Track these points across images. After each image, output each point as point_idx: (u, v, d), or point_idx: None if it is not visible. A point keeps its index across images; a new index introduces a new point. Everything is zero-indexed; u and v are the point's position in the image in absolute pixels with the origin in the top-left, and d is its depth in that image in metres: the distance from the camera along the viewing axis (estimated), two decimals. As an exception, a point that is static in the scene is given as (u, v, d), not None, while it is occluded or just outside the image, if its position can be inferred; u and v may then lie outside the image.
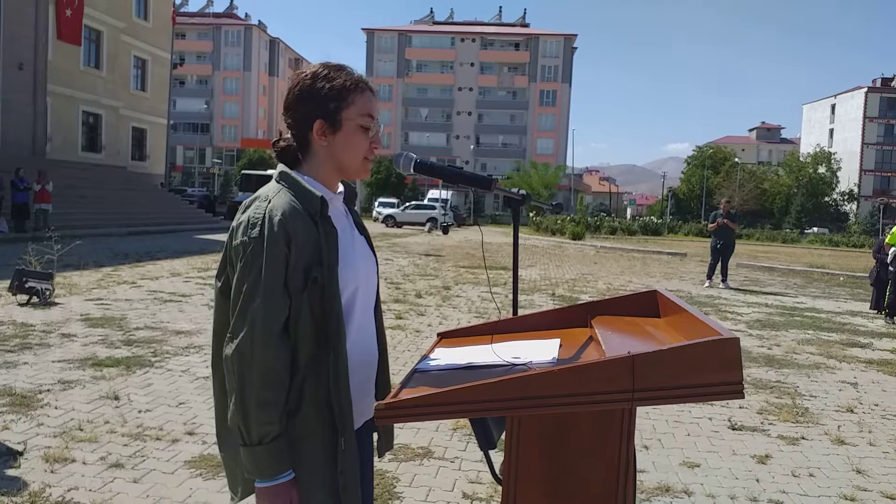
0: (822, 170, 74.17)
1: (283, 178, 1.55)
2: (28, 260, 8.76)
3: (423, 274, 13.82)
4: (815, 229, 62.53)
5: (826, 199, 74.17)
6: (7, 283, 8.21)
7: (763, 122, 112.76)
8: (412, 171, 1.89)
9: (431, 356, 1.69)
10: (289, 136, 1.62)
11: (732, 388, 1.19)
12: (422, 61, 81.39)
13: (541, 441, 1.35)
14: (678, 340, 1.42)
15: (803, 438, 4.63)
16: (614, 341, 1.49)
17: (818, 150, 76.41)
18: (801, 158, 77.62)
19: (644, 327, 1.68)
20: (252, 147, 70.10)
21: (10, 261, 10.35)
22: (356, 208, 1.77)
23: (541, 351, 1.56)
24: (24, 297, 7.99)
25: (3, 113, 23.43)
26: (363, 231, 1.72)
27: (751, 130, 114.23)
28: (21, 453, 3.63)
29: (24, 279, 7.97)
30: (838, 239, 46.67)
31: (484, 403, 1.25)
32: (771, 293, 13.71)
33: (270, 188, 1.54)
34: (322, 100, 1.54)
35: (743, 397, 1.20)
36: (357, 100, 1.56)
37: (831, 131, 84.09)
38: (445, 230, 29.96)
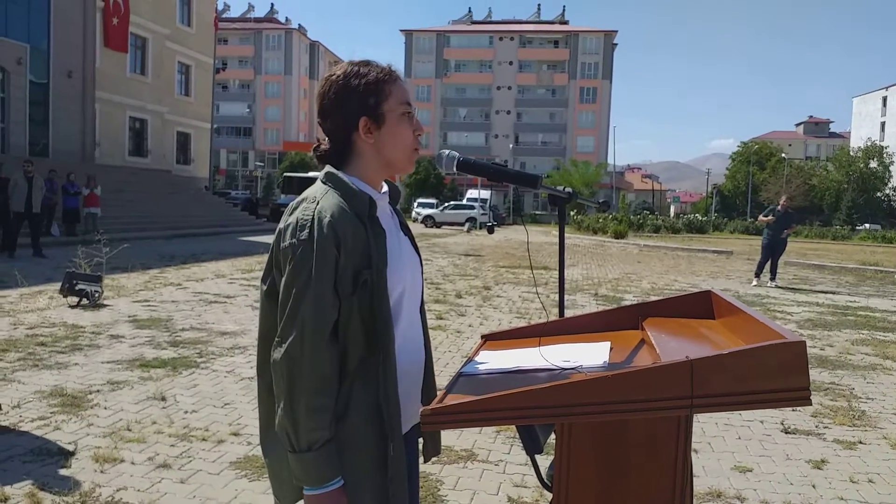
0: (873, 164, 71.81)
1: (329, 178, 1.52)
2: (78, 263, 8.99)
3: (462, 274, 13.78)
4: (867, 226, 60.45)
5: (878, 194, 71.76)
6: (59, 285, 8.43)
7: (811, 117, 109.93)
8: (455, 169, 1.85)
9: (476, 359, 1.65)
10: (326, 141, 1.58)
11: (799, 395, 1.12)
12: (460, 61, 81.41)
13: (593, 449, 1.30)
14: (737, 344, 1.35)
15: (861, 443, 4.45)
16: (669, 345, 1.43)
17: (869, 143, 74.00)
18: (851, 153, 75.25)
19: (699, 330, 1.61)
20: (293, 150, 70.92)
21: (62, 264, 10.64)
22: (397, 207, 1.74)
23: (591, 354, 1.50)
24: (74, 299, 8.20)
25: (54, 120, 24.16)
26: (407, 232, 1.68)
27: (798, 125, 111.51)
28: (72, 453, 3.71)
29: (75, 282, 8.18)
30: (892, 235, 45.00)
31: (534, 410, 1.20)
32: (822, 291, 13.31)
33: (317, 189, 1.51)
34: (361, 97, 1.51)
35: (810, 404, 1.13)
36: (393, 90, 1.53)
37: (883, 124, 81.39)
38: (491, 230, 29.74)
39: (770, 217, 13.76)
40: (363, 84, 1.50)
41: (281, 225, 1.48)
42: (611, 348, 1.54)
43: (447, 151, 1.82)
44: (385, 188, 1.63)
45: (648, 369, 1.17)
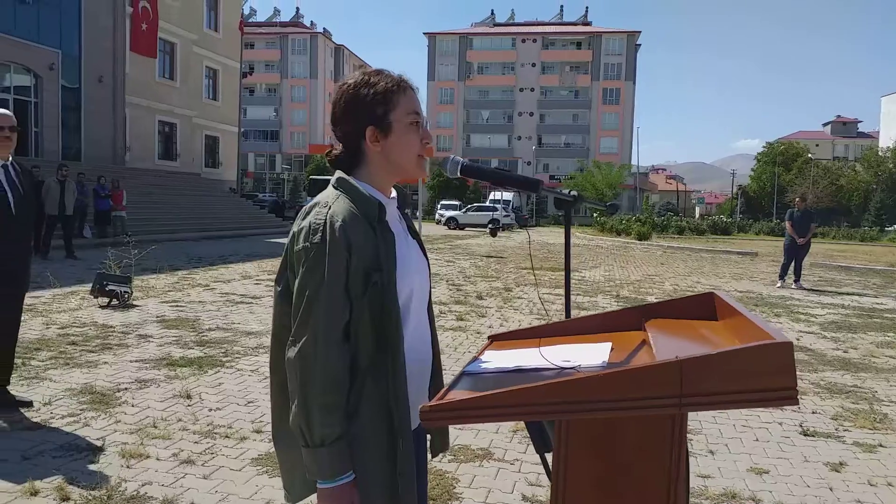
0: (902, 164, 70.38)
1: (340, 184, 1.59)
2: (108, 264, 9.20)
3: (484, 275, 13.82)
4: (897, 227, 59.29)
5: (908, 195, 70.25)
6: (90, 286, 8.64)
7: (838, 116, 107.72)
8: (459, 174, 1.91)
9: (481, 358, 1.70)
10: (340, 147, 1.65)
11: (785, 395, 1.16)
12: (483, 63, 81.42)
13: (590, 445, 1.35)
14: (732, 344, 1.39)
15: (881, 446, 4.42)
16: (665, 345, 1.47)
17: (899, 143, 72.44)
18: (879, 153, 73.77)
19: (699, 331, 1.65)
20: (319, 153, 70.91)
21: (93, 265, 10.89)
22: (418, 212, 1.80)
23: (591, 355, 1.55)
24: (104, 300, 8.40)
25: (86, 125, 24.69)
26: (415, 236, 1.75)
27: (825, 125, 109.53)
28: (100, 449, 3.82)
29: (105, 283, 8.39)
30: (923, 236, 44.16)
31: (530, 407, 1.25)
32: (847, 294, 13.13)
33: (329, 194, 1.58)
34: (369, 106, 1.56)
35: (797, 403, 1.17)
36: (401, 100, 1.58)
37: (913, 124, 79.61)
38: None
39: (790, 222, 13.71)
40: (371, 93, 1.57)
41: (294, 228, 1.55)
42: (611, 349, 1.58)
43: (451, 157, 1.88)
44: (394, 193, 1.69)
45: (639, 368, 1.21)
